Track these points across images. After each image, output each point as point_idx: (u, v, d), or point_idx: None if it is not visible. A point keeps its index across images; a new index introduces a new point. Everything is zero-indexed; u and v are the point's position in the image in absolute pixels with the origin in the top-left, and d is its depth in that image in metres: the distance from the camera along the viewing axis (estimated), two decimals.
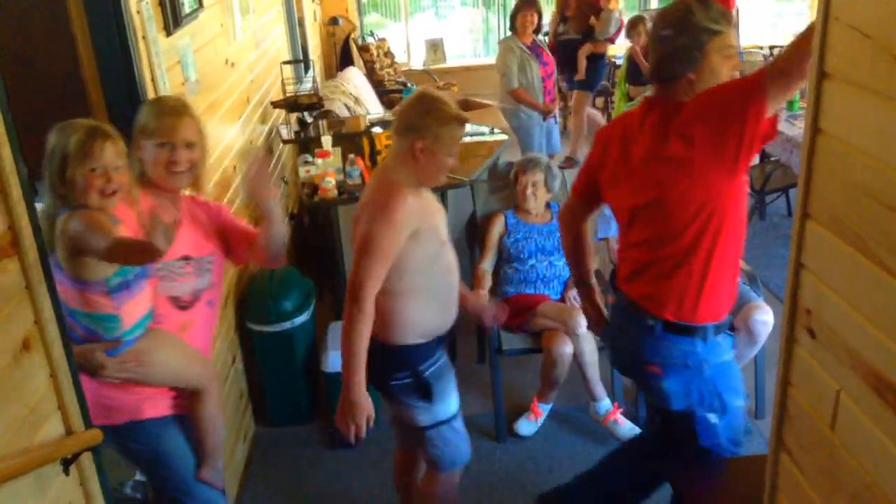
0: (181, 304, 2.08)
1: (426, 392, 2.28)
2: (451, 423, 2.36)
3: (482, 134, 4.54)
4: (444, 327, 2.34)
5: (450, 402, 2.35)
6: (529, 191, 3.53)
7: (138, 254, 1.76)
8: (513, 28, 5.29)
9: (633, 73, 5.90)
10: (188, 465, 2.13)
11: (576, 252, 2.55)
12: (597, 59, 6.65)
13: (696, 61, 2.01)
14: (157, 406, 2.07)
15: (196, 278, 2.10)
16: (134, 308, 1.92)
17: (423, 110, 2.16)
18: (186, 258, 2.08)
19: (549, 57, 5.39)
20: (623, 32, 6.23)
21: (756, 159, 5.22)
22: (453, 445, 2.39)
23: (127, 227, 1.90)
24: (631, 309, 2.21)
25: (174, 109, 2.06)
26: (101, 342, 1.90)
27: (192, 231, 2.12)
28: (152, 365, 1.99)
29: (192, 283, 2.09)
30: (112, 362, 1.90)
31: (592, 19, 6.67)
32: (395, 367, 2.27)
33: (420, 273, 2.20)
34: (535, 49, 5.26)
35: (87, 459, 1.88)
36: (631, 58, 5.94)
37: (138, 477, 2.94)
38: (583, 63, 6.49)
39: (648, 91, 5.97)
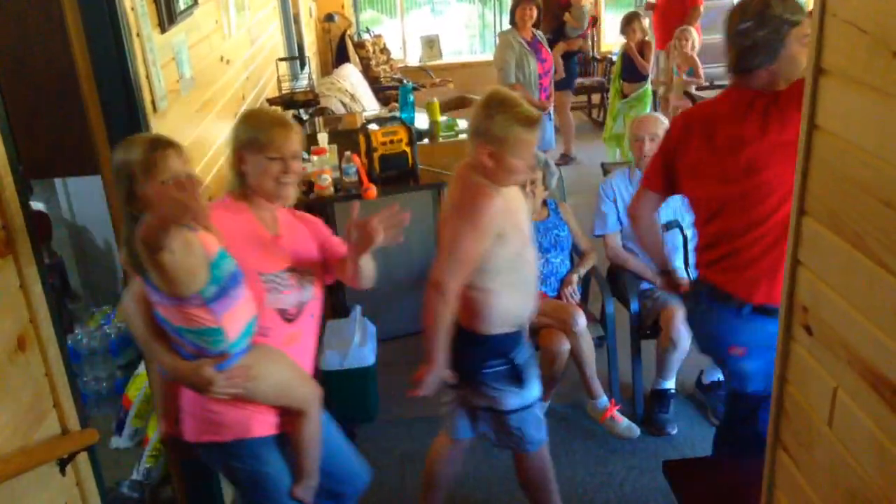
0: (287, 317, 2.06)
1: (518, 377, 2.35)
2: (534, 406, 2.44)
3: None
4: (529, 315, 2.43)
5: (535, 387, 2.43)
6: (528, 188, 3.52)
7: (174, 207, 1.60)
8: (512, 22, 5.28)
9: (628, 69, 5.90)
10: (285, 487, 2.10)
11: (655, 243, 2.69)
12: (569, 57, 6.64)
13: (777, 52, 2.10)
14: (264, 424, 2.05)
15: (299, 290, 2.08)
16: (234, 319, 1.89)
17: (488, 114, 2.16)
18: (291, 270, 2.07)
19: (547, 53, 5.39)
20: (619, 29, 6.21)
21: None
22: (537, 425, 2.47)
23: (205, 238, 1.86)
24: (715, 294, 2.29)
25: (281, 122, 2.06)
26: (209, 357, 1.88)
27: (293, 243, 2.11)
28: (259, 380, 1.96)
29: (296, 294, 2.07)
30: (220, 377, 1.88)
31: (567, 16, 6.66)
32: (490, 355, 2.34)
33: (508, 270, 2.27)
34: (534, 45, 5.25)
35: (83, 459, 1.88)
36: (626, 54, 5.94)
37: (134, 476, 2.94)
38: (559, 62, 6.43)
39: (644, 87, 5.99)
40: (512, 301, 2.32)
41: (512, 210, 2.26)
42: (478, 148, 2.17)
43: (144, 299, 1.87)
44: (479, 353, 2.34)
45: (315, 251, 2.17)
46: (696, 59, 5.89)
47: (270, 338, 2.01)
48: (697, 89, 6.01)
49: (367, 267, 2.11)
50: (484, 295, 2.27)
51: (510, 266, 2.27)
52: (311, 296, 2.12)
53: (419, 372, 2.31)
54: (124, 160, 1.79)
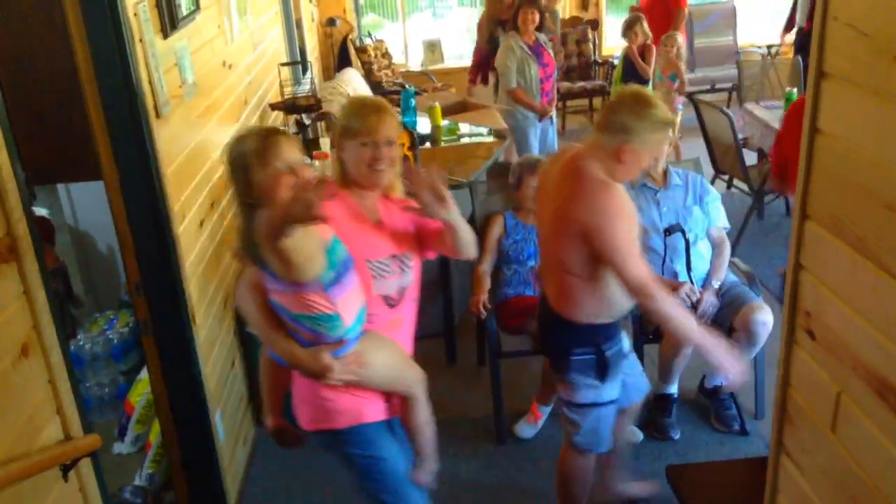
0: (390, 303, 2.09)
1: (603, 371, 2.35)
2: (606, 407, 2.43)
3: (480, 135, 4.54)
4: (627, 309, 2.43)
5: (615, 387, 2.43)
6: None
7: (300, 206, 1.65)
8: (514, 26, 5.28)
9: (630, 73, 5.89)
10: (401, 471, 2.13)
11: None
12: None
13: None
14: (376, 410, 2.07)
15: (401, 275, 2.11)
16: (349, 304, 1.93)
17: (637, 114, 2.18)
18: (393, 256, 2.10)
19: (549, 58, 5.38)
20: (620, 32, 6.21)
21: (755, 159, 5.23)
22: (599, 429, 2.47)
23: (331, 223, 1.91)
24: None
25: (375, 108, 2.07)
26: (326, 344, 1.91)
27: (393, 229, 2.14)
28: (371, 366, 1.99)
29: (398, 280, 2.10)
30: (337, 364, 1.91)
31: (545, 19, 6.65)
32: (581, 342, 2.35)
33: None
34: (536, 49, 5.25)
35: (85, 465, 1.88)
36: (627, 57, 5.94)
37: (137, 482, 2.94)
38: None
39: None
40: (610, 292, 2.31)
41: (629, 202, 2.31)
42: (619, 145, 2.18)
43: (258, 288, 1.90)
44: (569, 339, 2.36)
45: (412, 232, 2.18)
46: (680, 65, 5.88)
47: (375, 324, 2.04)
48: (691, 94, 6.01)
49: (463, 231, 2.07)
50: (591, 284, 2.28)
51: None
52: (411, 280, 2.14)
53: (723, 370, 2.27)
54: (239, 151, 1.84)
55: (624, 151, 2.18)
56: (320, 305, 1.85)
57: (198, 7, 3.03)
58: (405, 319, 2.16)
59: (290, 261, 1.75)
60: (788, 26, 6.94)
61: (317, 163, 3.79)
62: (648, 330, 3.35)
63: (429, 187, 1.94)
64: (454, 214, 1.99)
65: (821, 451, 1.37)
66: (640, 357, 3.36)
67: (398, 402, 2.11)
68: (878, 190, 1.15)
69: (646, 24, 5.92)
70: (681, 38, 5.97)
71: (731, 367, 2.22)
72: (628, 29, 5.95)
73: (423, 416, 2.13)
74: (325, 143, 3.95)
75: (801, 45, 6.62)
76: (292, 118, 4.65)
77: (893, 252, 1.12)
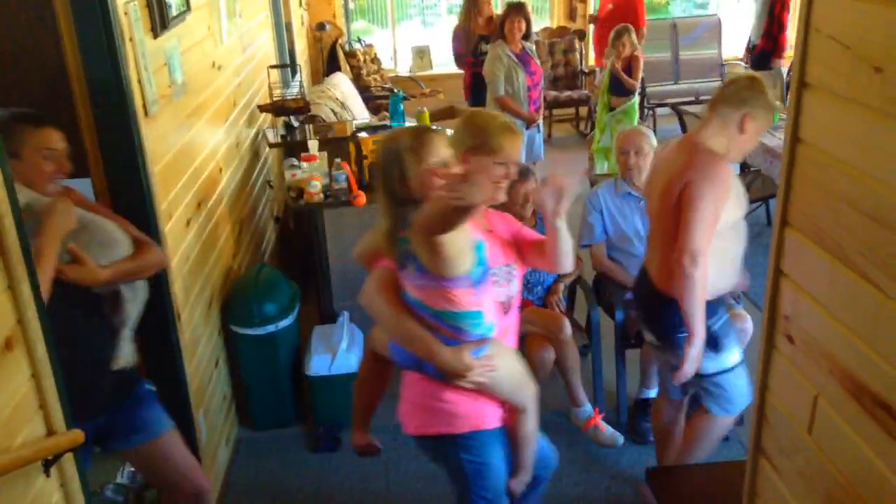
0: (505, 310, 2.12)
1: (714, 343, 2.43)
2: (734, 371, 2.51)
3: None
4: (730, 287, 2.55)
5: (733, 352, 2.52)
6: (522, 200, 3.54)
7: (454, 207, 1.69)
8: (501, 35, 5.31)
9: (616, 84, 5.94)
10: (503, 478, 2.14)
11: None
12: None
13: None
14: (494, 417, 2.09)
15: (508, 284, 2.13)
16: (488, 302, 1.97)
17: (754, 89, 2.37)
18: (505, 264, 2.13)
19: (536, 66, 5.42)
20: (609, 42, 6.26)
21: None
22: (735, 390, 2.54)
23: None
24: None
25: (510, 129, 2.11)
26: (467, 342, 1.94)
27: (498, 239, 2.17)
28: (499, 370, 2.01)
29: (507, 289, 2.12)
30: (476, 364, 1.94)
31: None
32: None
33: (722, 237, 2.37)
34: (523, 57, 5.28)
35: (68, 461, 1.87)
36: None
37: (119, 480, 2.93)
38: None
39: (630, 101, 6.04)
40: (720, 270, 2.39)
41: (734, 181, 2.41)
42: (743, 114, 2.33)
43: (391, 288, 1.96)
44: (675, 317, 2.40)
45: (512, 246, 2.22)
46: (621, 72, 5.94)
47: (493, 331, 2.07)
48: (683, 104, 6.06)
49: (566, 240, 2.08)
50: None
51: (726, 234, 2.39)
52: (517, 289, 2.18)
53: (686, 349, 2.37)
54: (394, 149, 1.90)
55: (746, 120, 2.33)
56: (466, 302, 1.89)
57: (188, 7, 3.04)
58: (511, 326, 2.19)
59: (443, 255, 1.80)
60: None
61: (305, 164, 3.80)
62: (630, 335, 3.38)
63: (555, 186, 1.96)
64: (562, 221, 2.04)
65: (798, 453, 1.40)
66: (622, 361, 3.40)
67: (509, 410, 2.13)
68: (857, 198, 1.18)
69: (634, 35, 5.96)
70: (633, 32, 6.01)
71: (687, 369, 2.37)
72: (616, 39, 5.98)
73: (531, 428, 2.15)
74: (313, 145, 3.95)
75: (756, 63, 6.75)
76: (280, 120, 4.65)
77: (871, 259, 1.15)
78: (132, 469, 2.95)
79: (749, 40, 7.02)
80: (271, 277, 3.45)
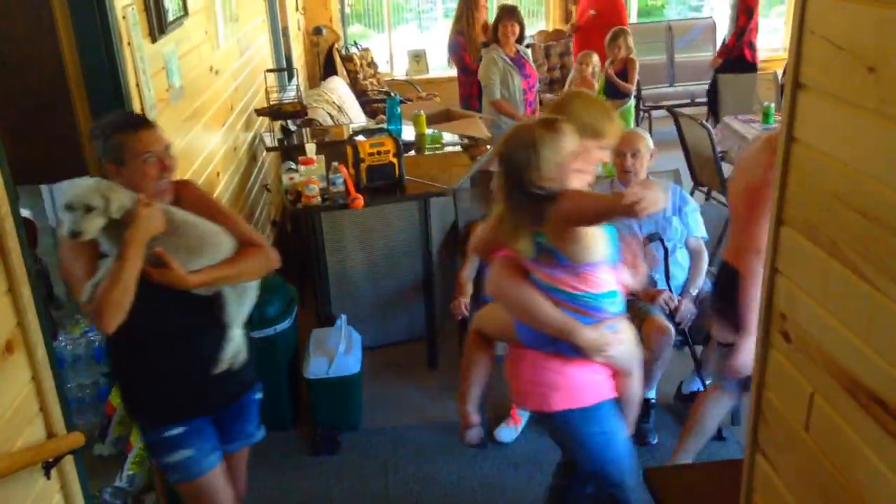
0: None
1: None
2: None
3: (464, 144, 4.57)
4: None
5: None
6: None
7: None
8: (495, 39, 5.33)
9: (611, 87, 5.96)
10: (626, 446, 2.24)
11: None
12: None
13: None
14: (610, 386, 2.20)
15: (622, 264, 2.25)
16: (618, 281, 2.08)
17: None
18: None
19: (531, 69, 5.44)
20: (605, 45, 6.28)
21: (729, 172, 5.31)
22: None
23: None
24: None
25: (612, 114, 2.19)
26: (606, 319, 2.06)
27: None
28: (622, 343, 2.13)
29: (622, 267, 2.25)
30: (613, 339, 2.07)
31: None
32: None
33: None
34: (517, 61, 5.30)
35: (68, 463, 1.88)
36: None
37: (118, 483, 2.93)
38: None
39: (626, 104, 6.05)
40: None
41: None
42: None
43: (519, 275, 2.07)
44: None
45: None
46: (595, 84, 5.97)
47: None
48: (679, 106, 6.08)
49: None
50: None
51: None
52: None
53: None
54: (528, 142, 1.96)
55: None
56: (606, 283, 2.01)
57: (186, 12, 3.05)
58: None
59: (587, 244, 1.92)
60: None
61: (302, 168, 3.80)
62: None
63: (642, 183, 2.08)
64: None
65: (795, 451, 1.41)
66: None
67: (618, 376, 2.23)
68: (851, 196, 1.19)
69: (630, 38, 5.99)
70: (597, 58, 6.02)
71: (745, 361, 2.42)
72: (612, 42, 6.01)
73: (636, 389, 2.28)
74: (310, 148, 3.96)
75: (726, 64, 6.75)
76: (278, 124, 4.66)
77: (865, 256, 1.16)
78: (131, 472, 2.95)
79: (724, 42, 7.03)
80: (269, 280, 3.44)
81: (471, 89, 5.95)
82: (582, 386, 2.13)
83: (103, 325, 1.90)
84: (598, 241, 1.98)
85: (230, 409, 2.26)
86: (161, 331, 2.06)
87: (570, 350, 2.08)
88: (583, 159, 2.04)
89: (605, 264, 2.01)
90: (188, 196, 2.13)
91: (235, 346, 2.15)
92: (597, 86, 5.98)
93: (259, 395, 2.36)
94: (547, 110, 2.28)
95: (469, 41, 5.86)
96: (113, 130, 2.00)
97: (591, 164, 2.10)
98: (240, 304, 2.15)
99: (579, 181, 2.06)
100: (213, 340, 2.13)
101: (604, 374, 2.16)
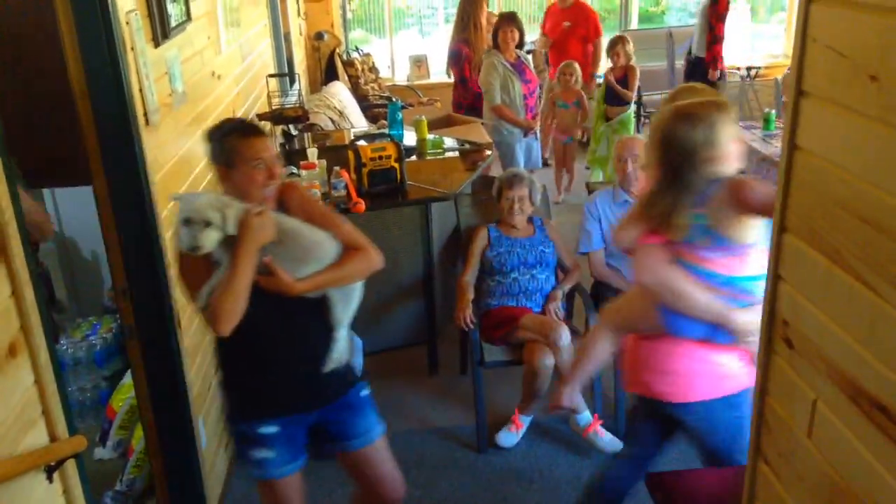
0: None
1: None
2: None
3: (466, 149, 4.58)
4: None
5: None
6: (516, 206, 3.57)
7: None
8: (495, 44, 5.34)
9: (612, 94, 5.98)
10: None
11: None
12: None
13: None
14: (750, 374, 2.19)
15: None
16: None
17: None
18: None
19: (531, 74, 5.45)
20: (605, 52, 6.30)
21: None
22: None
23: None
24: None
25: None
26: (756, 304, 2.02)
27: None
28: (757, 332, 2.13)
29: None
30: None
31: None
32: None
33: None
34: (518, 66, 5.31)
35: (70, 467, 1.87)
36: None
37: (118, 487, 2.93)
38: None
39: (627, 111, 6.06)
40: None
41: None
42: None
43: (670, 263, 2.07)
44: None
45: None
46: (582, 93, 5.98)
47: None
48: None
49: None
50: None
51: None
52: None
53: None
54: (708, 123, 2.00)
55: None
56: (758, 265, 2.00)
57: (189, 17, 3.06)
58: None
59: (751, 222, 1.97)
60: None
61: (304, 173, 3.81)
62: None
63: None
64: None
65: (797, 457, 1.41)
66: (620, 368, 3.41)
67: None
68: (853, 203, 1.19)
69: (629, 45, 6.01)
70: (578, 67, 6.03)
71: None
72: (612, 49, 6.04)
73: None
74: (311, 153, 3.97)
75: (690, 73, 6.77)
76: (279, 128, 4.67)
77: (868, 262, 1.16)
78: (132, 476, 2.95)
79: (689, 51, 7.04)
80: None
81: (462, 97, 5.98)
82: (729, 374, 2.15)
83: (218, 330, 2.00)
84: (757, 221, 2.01)
85: (333, 406, 2.27)
86: (270, 332, 2.12)
87: (724, 336, 2.09)
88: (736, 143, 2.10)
89: (758, 245, 2.02)
90: (293, 199, 2.19)
91: (341, 346, 2.21)
92: (585, 95, 6.01)
93: (366, 392, 2.37)
94: (669, 101, 2.28)
95: (474, 51, 5.82)
96: (227, 135, 2.09)
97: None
98: (346, 306, 2.21)
99: (735, 165, 2.10)
100: (321, 341, 2.19)
101: (748, 361, 2.15)
